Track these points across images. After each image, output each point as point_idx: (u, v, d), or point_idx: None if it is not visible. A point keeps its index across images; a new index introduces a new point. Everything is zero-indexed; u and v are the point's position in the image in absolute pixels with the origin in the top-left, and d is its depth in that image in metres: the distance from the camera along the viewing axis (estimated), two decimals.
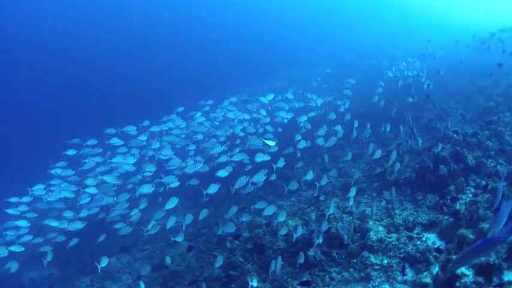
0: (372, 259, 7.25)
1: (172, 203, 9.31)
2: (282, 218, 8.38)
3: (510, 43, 19.16)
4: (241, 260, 8.59)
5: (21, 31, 39.94)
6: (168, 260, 8.89)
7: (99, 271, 8.75)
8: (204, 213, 9.04)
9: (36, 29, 40.49)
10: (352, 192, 8.71)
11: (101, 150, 11.58)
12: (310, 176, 9.86)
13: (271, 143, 10.13)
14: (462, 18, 54.27)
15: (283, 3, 58.66)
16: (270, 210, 8.55)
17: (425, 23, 52.36)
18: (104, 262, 8.75)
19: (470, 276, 6.07)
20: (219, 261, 7.91)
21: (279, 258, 7.39)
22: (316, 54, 34.79)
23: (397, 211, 8.57)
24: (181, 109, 13.71)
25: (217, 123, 13.41)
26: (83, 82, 32.17)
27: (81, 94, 30.48)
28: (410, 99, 13.32)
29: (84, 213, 10.59)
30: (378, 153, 10.33)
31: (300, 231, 7.89)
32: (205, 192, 9.56)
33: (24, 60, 35.54)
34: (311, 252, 7.73)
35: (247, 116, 13.49)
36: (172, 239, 8.87)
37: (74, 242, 10.00)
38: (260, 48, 40.69)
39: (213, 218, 11.36)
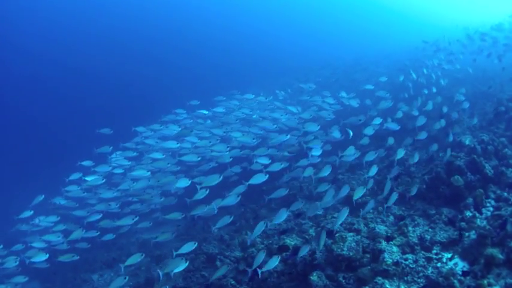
0: (387, 285, 6.18)
1: (213, 180, 8.64)
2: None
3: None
4: (232, 282, 7.55)
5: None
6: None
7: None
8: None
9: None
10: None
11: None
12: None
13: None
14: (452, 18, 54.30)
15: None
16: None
17: (418, 24, 53.12)
18: (136, 259, 7.75)
19: None
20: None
21: None
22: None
23: (409, 228, 7.54)
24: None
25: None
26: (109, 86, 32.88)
27: (102, 97, 30.73)
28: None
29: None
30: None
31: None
32: (246, 183, 8.72)
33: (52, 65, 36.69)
34: (314, 277, 6.64)
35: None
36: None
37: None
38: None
39: (202, 233, 10.55)
